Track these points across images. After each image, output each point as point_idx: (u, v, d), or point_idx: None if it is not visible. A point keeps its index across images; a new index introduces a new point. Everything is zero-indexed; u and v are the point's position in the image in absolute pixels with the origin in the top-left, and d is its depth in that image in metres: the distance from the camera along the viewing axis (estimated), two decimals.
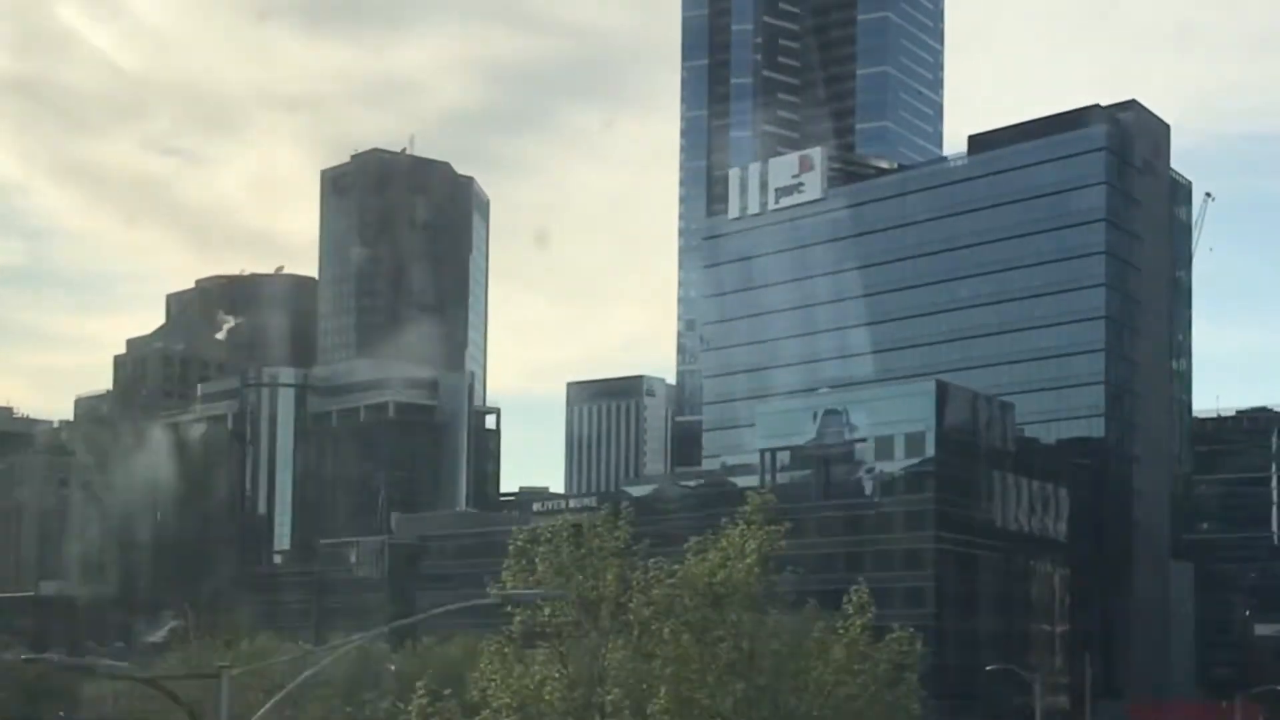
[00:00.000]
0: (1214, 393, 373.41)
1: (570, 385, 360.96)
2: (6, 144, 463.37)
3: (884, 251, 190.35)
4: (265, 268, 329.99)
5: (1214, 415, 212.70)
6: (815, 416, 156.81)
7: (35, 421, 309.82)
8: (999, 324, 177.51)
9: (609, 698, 47.43)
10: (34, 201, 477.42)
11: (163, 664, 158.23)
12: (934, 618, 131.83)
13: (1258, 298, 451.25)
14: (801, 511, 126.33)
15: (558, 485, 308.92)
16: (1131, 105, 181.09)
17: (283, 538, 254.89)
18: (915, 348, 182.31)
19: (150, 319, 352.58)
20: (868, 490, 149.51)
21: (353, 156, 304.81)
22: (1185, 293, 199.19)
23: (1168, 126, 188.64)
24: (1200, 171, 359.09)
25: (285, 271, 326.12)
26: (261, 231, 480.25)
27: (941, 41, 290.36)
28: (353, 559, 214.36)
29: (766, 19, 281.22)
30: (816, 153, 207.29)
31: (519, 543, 50.57)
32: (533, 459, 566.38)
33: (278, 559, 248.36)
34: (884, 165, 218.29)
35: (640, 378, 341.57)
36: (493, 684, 48.82)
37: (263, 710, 32.18)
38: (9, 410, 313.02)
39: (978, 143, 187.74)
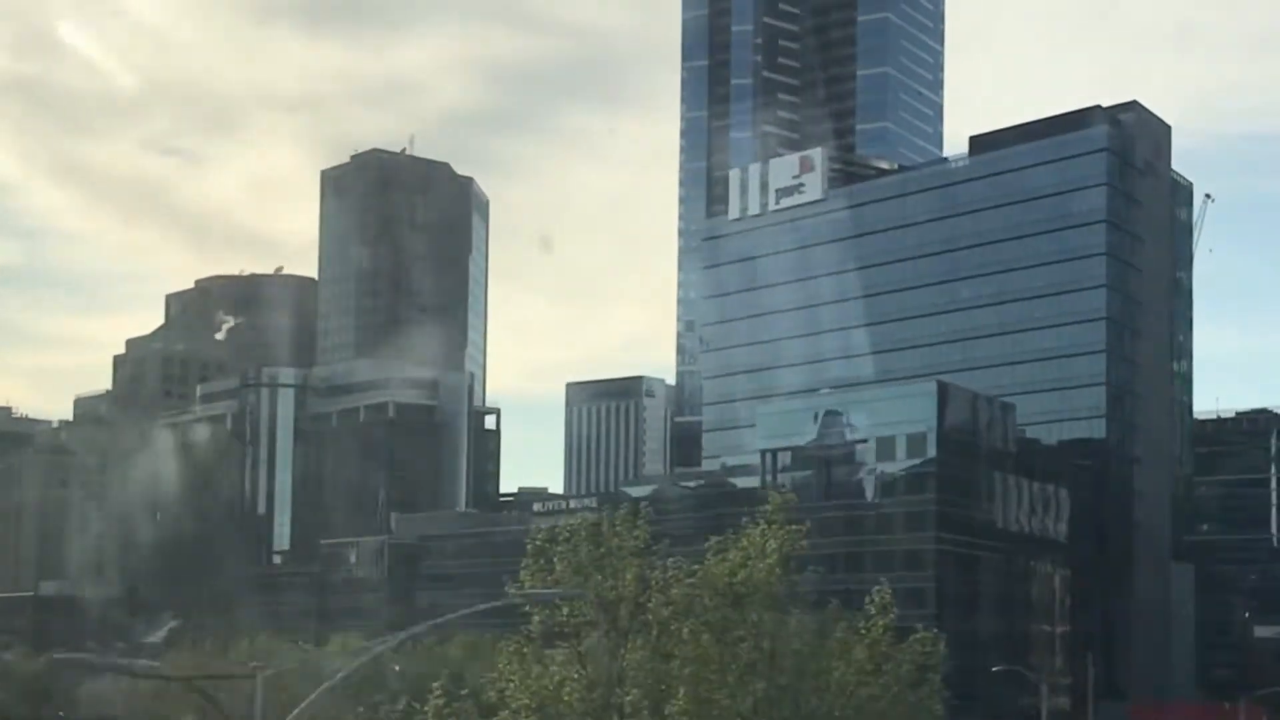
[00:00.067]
0: (1214, 394, 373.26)
1: (569, 386, 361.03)
2: (6, 144, 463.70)
3: (885, 252, 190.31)
4: (265, 268, 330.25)
5: (1214, 417, 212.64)
6: (816, 417, 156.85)
7: (35, 422, 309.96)
8: (1000, 325, 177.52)
9: (628, 698, 47.20)
10: (33, 201, 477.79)
11: (161, 665, 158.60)
12: (935, 619, 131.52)
13: (1258, 299, 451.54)
14: (802, 512, 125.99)
15: (557, 486, 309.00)
16: (1132, 106, 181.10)
17: (282, 538, 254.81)
18: (916, 348, 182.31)
19: (150, 319, 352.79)
20: (869, 491, 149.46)
21: (353, 157, 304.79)
22: (1186, 294, 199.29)
23: (1168, 127, 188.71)
24: (1200, 172, 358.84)
25: (285, 272, 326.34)
26: (261, 232, 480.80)
27: (942, 42, 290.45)
28: (353, 559, 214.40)
29: (766, 20, 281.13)
30: (817, 153, 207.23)
31: (537, 542, 50.38)
32: (532, 459, 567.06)
33: (277, 559, 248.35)
34: (884, 166, 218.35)
35: (640, 378, 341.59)
36: (511, 684, 48.58)
37: (299, 709, 32.03)
38: (8, 410, 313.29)
39: (979, 144, 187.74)
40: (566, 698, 47.19)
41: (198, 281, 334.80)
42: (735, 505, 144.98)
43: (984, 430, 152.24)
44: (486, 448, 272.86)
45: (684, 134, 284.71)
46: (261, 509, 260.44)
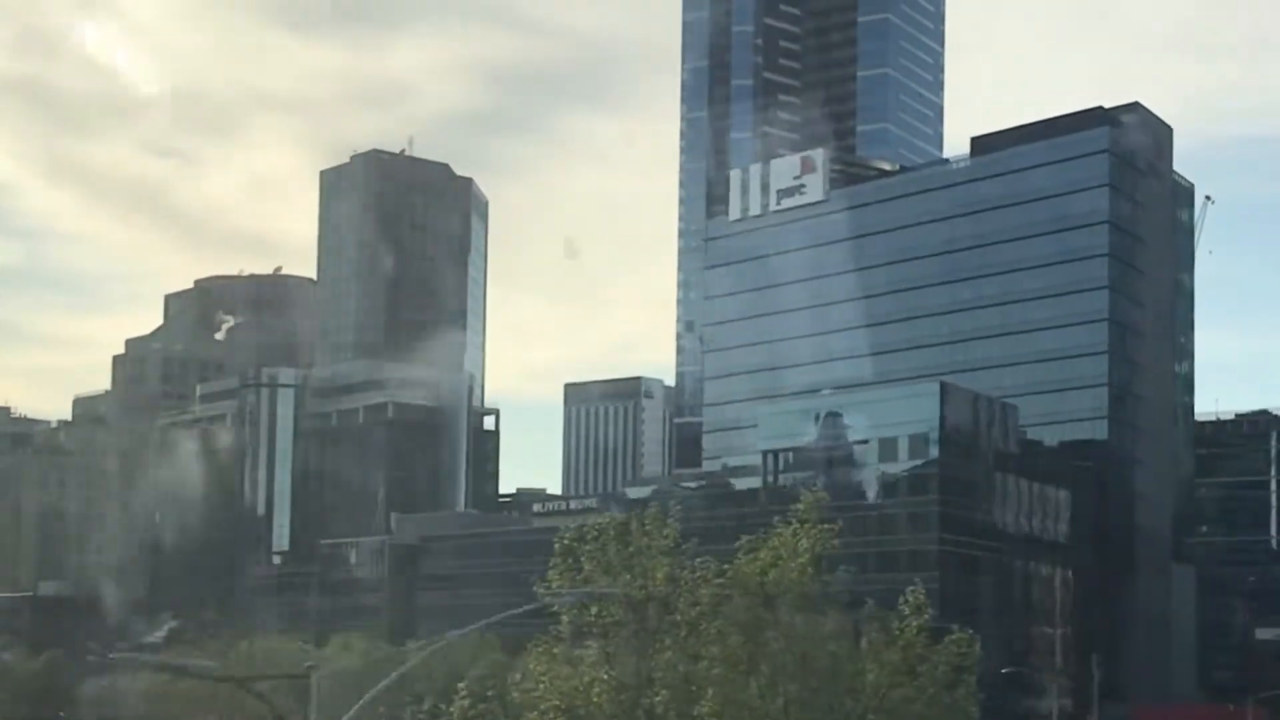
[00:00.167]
0: (1214, 396, 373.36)
1: (568, 386, 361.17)
2: (3, 145, 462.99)
3: (886, 253, 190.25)
4: (264, 269, 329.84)
5: (1214, 418, 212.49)
6: (817, 418, 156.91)
7: (34, 422, 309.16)
8: (1002, 326, 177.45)
9: (657, 699, 46.92)
10: (32, 202, 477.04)
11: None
12: (937, 620, 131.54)
13: (1257, 301, 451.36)
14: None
15: (555, 487, 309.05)
16: (1134, 108, 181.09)
17: (282, 538, 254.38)
18: (917, 349, 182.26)
19: (149, 320, 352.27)
20: (871, 492, 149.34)
21: (353, 157, 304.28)
22: (1187, 296, 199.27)
23: (1170, 129, 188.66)
24: (1200, 174, 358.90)
25: (284, 272, 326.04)
26: (260, 232, 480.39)
27: (942, 43, 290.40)
28: (353, 559, 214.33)
29: (767, 20, 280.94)
30: (818, 154, 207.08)
31: (565, 541, 50.06)
32: (531, 460, 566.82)
33: (276, 560, 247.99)
34: (885, 167, 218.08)
35: (639, 379, 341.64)
36: (542, 684, 48.26)
37: (356, 708, 31.81)
38: (7, 410, 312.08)
39: (981, 145, 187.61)
40: (596, 699, 46.87)
41: (197, 282, 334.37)
42: (737, 506, 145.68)
43: (986, 431, 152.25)
44: (486, 448, 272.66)
45: (684, 135, 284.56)
46: (261, 509, 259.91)
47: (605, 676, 47.35)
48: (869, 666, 49.80)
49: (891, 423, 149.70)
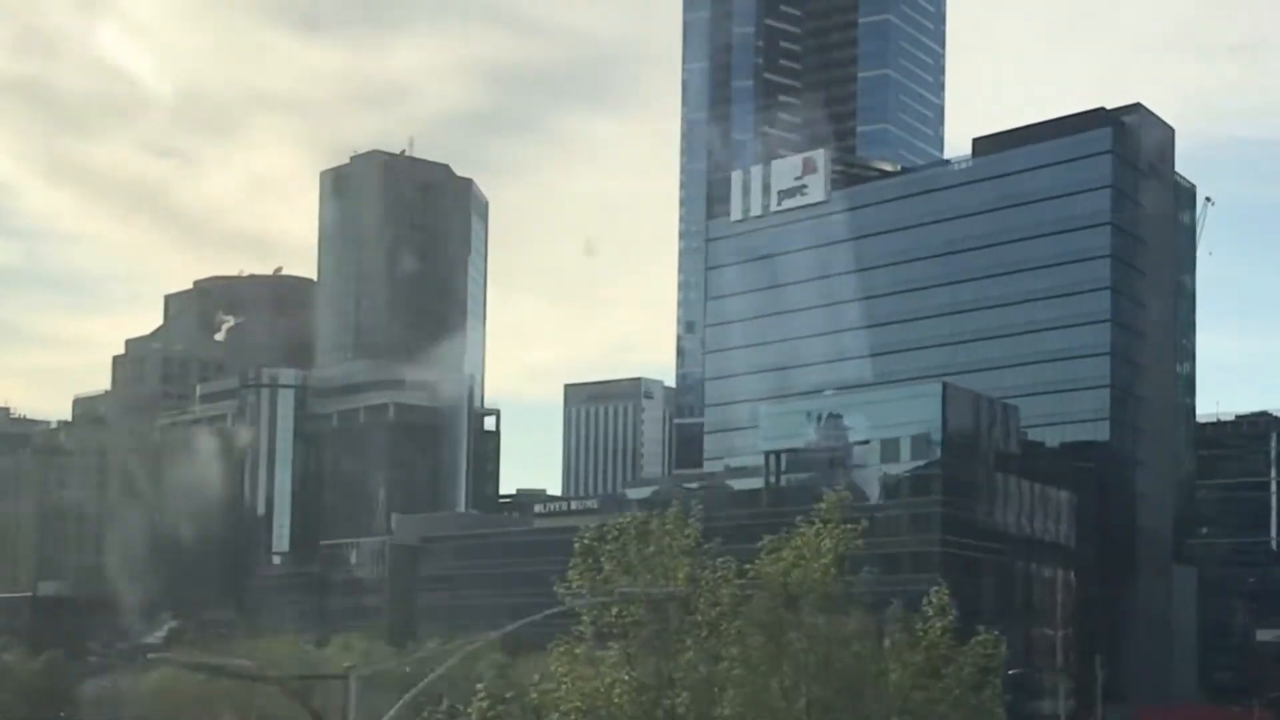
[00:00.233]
0: (1214, 397, 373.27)
1: (568, 387, 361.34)
2: (3, 145, 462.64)
3: (888, 254, 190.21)
4: (264, 269, 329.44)
5: (1214, 420, 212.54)
6: (819, 419, 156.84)
7: (33, 422, 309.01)
8: (1003, 327, 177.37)
9: (678, 700, 46.66)
10: (31, 202, 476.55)
11: (159, 668, 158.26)
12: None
13: (1257, 302, 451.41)
14: (806, 514, 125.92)
15: (555, 488, 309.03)
16: (1136, 109, 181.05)
17: (282, 539, 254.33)
18: (919, 350, 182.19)
19: (149, 320, 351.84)
20: (873, 493, 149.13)
21: (352, 158, 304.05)
22: (1189, 297, 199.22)
23: (1172, 130, 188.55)
24: (1200, 175, 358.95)
25: (283, 273, 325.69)
26: (260, 233, 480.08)
27: (943, 44, 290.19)
28: (353, 560, 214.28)
29: (768, 21, 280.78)
30: (820, 155, 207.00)
31: (585, 541, 49.77)
32: (530, 461, 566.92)
33: (277, 560, 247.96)
34: (886, 168, 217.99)
35: (638, 380, 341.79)
36: (564, 685, 47.97)
37: (394, 709, 31.59)
38: (6, 411, 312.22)
39: (982, 145, 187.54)
40: (617, 699, 46.60)
41: (196, 282, 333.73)
42: (740, 507, 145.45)
43: (988, 432, 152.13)
44: (486, 449, 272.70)
45: (685, 136, 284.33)
46: (261, 510, 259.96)
47: (626, 677, 47.03)
48: (892, 667, 49.50)
49: (893, 424, 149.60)
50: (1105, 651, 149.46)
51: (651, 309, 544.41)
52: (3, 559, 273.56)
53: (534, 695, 49.90)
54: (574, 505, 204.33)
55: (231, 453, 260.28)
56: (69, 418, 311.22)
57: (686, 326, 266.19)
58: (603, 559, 48.63)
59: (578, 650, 48.64)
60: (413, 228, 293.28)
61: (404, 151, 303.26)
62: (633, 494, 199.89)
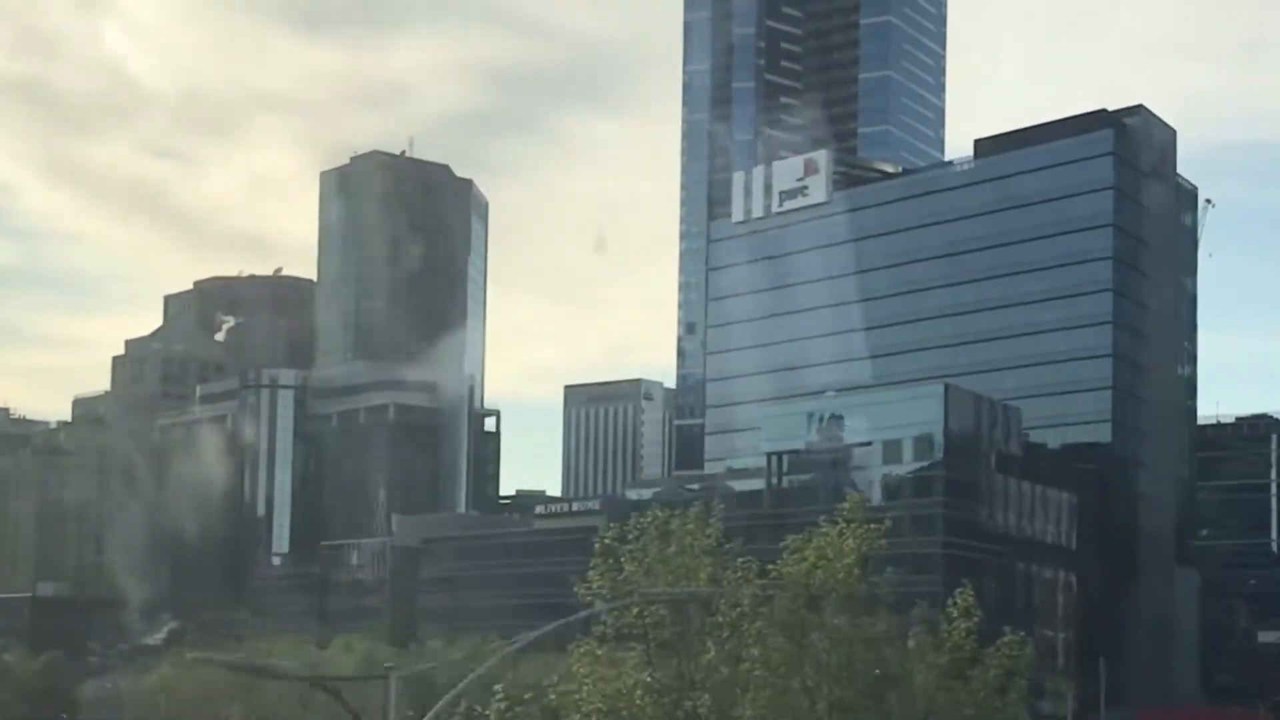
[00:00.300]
0: (1214, 399, 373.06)
1: (568, 388, 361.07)
2: (3, 145, 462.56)
3: (889, 255, 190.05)
4: (263, 270, 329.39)
5: (1214, 422, 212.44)
6: (821, 420, 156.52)
7: (33, 423, 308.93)
8: (1005, 328, 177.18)
9: (700, 702, 46.32)
10: (31, 202, 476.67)
11: (159, 668, 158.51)
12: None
13: (1257, 304, 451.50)
14: (808, 515, 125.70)
15: (554, 489, 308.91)
16: (1138, 110, 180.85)
17: (282, 540, 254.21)
18: (921, 351, 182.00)
19: (148, 320, 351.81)
20: (875, 494, 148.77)
21: (352, 158, 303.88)
22: (1190, 299, 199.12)
23: (1174, 132, 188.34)
24: (1201, 177, 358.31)
25: (283, 273, 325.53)
26: (259, 233, 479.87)
27: (944, 46, 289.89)
28: (354, 561, 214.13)
29: (769, 23, 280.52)
30: (821, 156, 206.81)
31: (605, 540, 49.45)
32: (530, 462, 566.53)
33: (277, 561, 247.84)
34: (887, 169, 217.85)
35: (638, 381, 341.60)
36: (585, 686, 47.62)
37: (435, 709, 31.32)
38: (6, 411, 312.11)
39: (984, 147, 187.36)
40: (639, 701, 46.27)
41: (196, 283, 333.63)
42: (741, 508, 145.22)
43: (990, 434, 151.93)
44: (486, 450, 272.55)
45: (685, 137, 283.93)
46: (261, 510, 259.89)
47: (649, 679, 46.68)
48: (916, 669, 49.16)
49: (895, 425, 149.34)
50: (1106, 653, 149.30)
51: (652, 310, 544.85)
52: (3, 559, 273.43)
53: (552, 696, 49.56)
54: (575, 507, 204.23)
55: (231, 453, 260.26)
56: (69, 418, 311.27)
57: (687, 327, 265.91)
58: (623, 559, 48.27)
59: (599, 651, 48.25)
60: (413, 228, 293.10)
61: (404, 152, 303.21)
62: (633, 495, 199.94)
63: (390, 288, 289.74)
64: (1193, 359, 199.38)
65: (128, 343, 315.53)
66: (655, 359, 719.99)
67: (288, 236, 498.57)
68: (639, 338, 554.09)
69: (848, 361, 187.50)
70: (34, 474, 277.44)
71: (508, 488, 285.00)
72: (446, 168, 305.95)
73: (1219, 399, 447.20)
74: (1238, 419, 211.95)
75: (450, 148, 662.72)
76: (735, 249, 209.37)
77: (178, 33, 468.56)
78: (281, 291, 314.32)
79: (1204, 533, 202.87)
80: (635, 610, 46.63)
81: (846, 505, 50.88)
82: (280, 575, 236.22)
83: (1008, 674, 50.52)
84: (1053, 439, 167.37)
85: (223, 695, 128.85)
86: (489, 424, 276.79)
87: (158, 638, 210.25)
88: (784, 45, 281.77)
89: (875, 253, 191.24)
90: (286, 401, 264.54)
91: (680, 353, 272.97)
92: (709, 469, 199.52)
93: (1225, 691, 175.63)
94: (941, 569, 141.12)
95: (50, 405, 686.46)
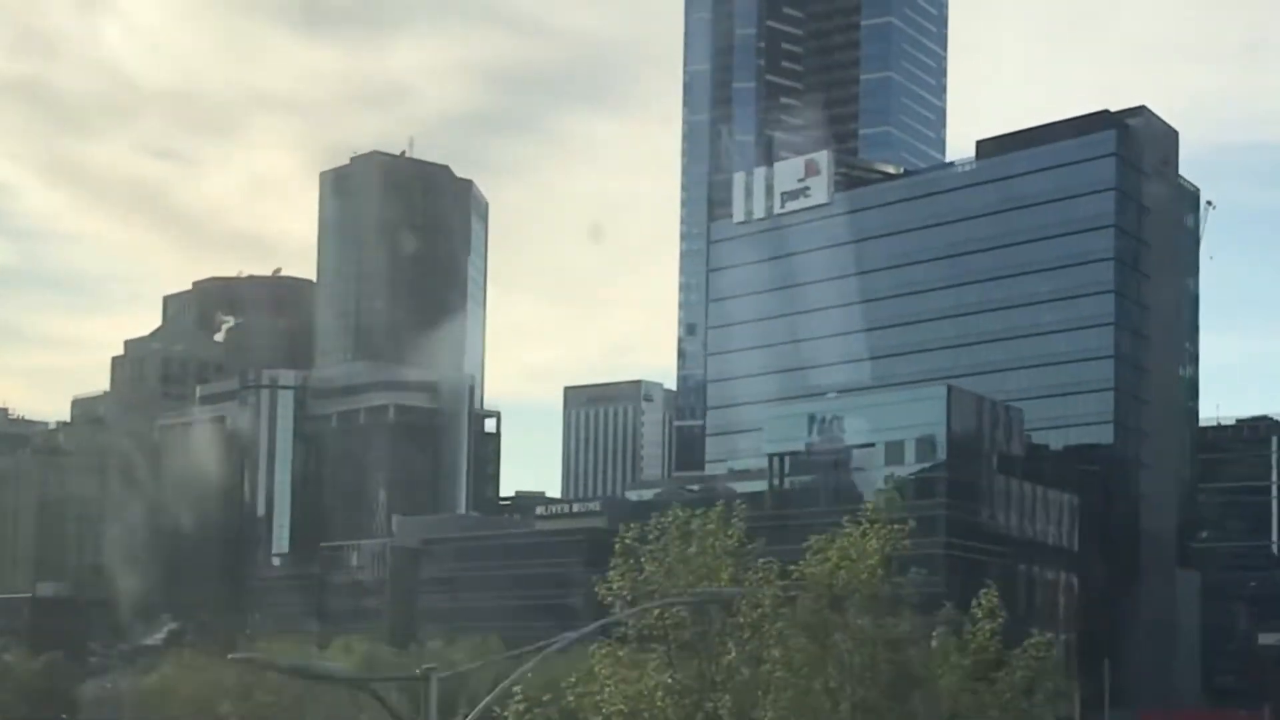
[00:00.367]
0: (1214, 400, 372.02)
1: (568, 389, 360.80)
2: (2, 145, 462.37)
3: (891, 256, 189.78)
4: (262, 270, 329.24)
5: (1215, 423, 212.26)
6: (823, 421, 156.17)
7: (32, 423, 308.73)
8: (1007, 330, 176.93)
9: (721, 703, 46.00)
10: (30, 202, 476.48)
11: (159, 668, 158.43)
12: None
13: (1256, 306, 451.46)
14: (810, 516, 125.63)
15: (554, 490, 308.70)
16: (1140, 111, 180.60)
17: (282, 540, 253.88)
18: (923, 352, 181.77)
19: (148, 320, 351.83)
20: (876, 495, 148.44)
21: (352, 158, 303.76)
22: (1192, 300, 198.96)
23: (1176, 133, 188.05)
24: (1202, 179, 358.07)
25: (283, 274, 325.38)
26: (258, 234, 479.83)
27: (945, 47, 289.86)
28: (354, 562, 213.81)
29: (770, 23, 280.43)
30: (823, 157, 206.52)
31: (626, 540, 49.08)
32: (529, 463, 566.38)
33: (276, 561, 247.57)
34: (889, 170, 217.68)
35: (638, 382, 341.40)
36: (607, 688, 47.27)
37: (476, 710, 31.05)
38: (5, 411, 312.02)
39: (986, 148, 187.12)
40: (659, 703, 45.94)
41: (196, 283, 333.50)
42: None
43: (992, 435, 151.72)
44: (486, 451, 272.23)
45: (686, 137, 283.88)
46: (261, 511, 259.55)
47: (670, 680, 46.36)
48: (939, 671, 48.83)
49: (897, 426, 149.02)
50: (1108, 655, 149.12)
51: (652, 311, 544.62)
52: (2, 560, 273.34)
53: (570, 698, 49.21)
54: (576, 508, 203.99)
55: (231, 454, 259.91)
56: (68, 418, 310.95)
57: (687, 328, 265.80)
58: (644, 559, 47.90)
59: (621, 652, 47.88)
60: (412, 228, 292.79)
61: (404, 152, 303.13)
62: (634, 496, 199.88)
63: (390, 288, 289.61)
64: (1194, 360, 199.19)
65: (127, 343, 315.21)
66: (655, 360, 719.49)
67: (287, 237, 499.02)
68: (639, 339, 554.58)
69: (849, 363, 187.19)
70: (33, 474, 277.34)
71: (508, 489, 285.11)
72: (446, 168, 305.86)
73: (1219, 401, 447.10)
74: (1238, 421, 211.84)
75: (450, 148, 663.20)
76: (736, 250, 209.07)
77: (177, 33, 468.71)
78: (281, 292, 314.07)
79: (1204, 535, 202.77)
80: (656, 611, 46.23)
81: (871, 505, 50.51)
82: (280, 576, 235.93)
83: (1034, 676, 50.18)
84: (1055, 440, 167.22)
85: (218, 696, 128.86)
86: (489, 425, 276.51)
87: (157, 638, 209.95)
88: (785, 46, 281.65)
89: (877, 254, 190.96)
90: (286, 402, 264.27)
91: (680, 354, 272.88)
92: (710, 470, 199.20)
93: (1226, 693, 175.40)
94: (944, 570, 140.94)
95: (49, 405, 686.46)
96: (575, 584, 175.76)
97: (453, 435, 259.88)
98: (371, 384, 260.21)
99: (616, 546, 49.09)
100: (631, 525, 50.46)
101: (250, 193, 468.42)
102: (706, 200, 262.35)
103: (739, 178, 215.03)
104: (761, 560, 48.64)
